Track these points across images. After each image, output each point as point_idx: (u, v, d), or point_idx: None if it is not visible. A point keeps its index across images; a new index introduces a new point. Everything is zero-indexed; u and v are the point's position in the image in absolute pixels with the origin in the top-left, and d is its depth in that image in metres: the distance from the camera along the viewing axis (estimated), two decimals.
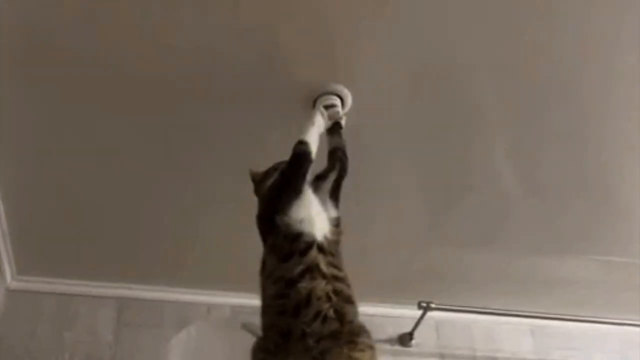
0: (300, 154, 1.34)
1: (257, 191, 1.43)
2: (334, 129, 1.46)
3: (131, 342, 2.05)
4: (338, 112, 1.47)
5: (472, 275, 2.19)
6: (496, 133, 1.66)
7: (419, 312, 2.19)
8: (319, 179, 1.38)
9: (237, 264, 1.65)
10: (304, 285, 1.19)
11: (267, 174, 1.42)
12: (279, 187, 1.35)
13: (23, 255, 2.01)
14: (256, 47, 1.40)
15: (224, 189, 1.77)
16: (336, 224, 1.32)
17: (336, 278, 1.22)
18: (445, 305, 2.19)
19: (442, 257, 2.10)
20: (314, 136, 1.39)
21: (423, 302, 2.15)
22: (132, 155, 1.69)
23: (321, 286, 1.19)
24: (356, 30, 1.37)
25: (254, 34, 1.37)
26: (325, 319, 1.17)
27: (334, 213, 1.34)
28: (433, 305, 2.15)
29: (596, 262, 2.17)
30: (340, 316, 1.18)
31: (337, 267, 1.25)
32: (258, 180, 1.43)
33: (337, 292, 1.20)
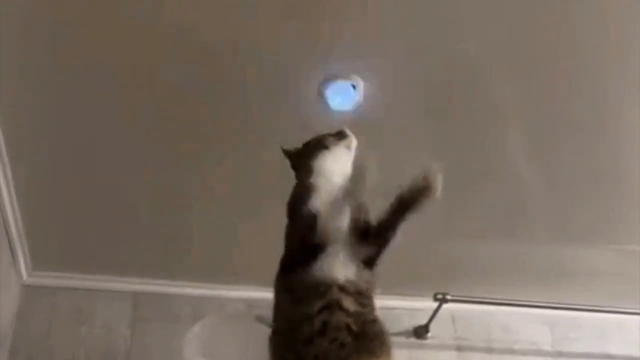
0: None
1: (294, 165, 1.37)
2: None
3: (147, 337, 2.05)
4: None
5: (488, 266, 2.17)
6: (512, 122, 1.65)
7: (435, 304, 2.18)
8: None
9: (252, 259, 1.65)
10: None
11: (307, 145, 1.36)
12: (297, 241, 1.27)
13: (38, 250, 2.02)
14: (259, 39, 1.39)
15: (239, 184, 1.76)
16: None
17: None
18: (461, 296, 2.17)
19: (458, 248, 2.08)
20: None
21: (439, 294, 2.14)
22: (148, 150, 1.70)
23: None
24: (367, 20, 1.36)
25: (255, 27, 1.36)
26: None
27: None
28: (449, 297, 2.14)
29: (614, 251, 2.14)
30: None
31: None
32: (293, 154, 1.38)
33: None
